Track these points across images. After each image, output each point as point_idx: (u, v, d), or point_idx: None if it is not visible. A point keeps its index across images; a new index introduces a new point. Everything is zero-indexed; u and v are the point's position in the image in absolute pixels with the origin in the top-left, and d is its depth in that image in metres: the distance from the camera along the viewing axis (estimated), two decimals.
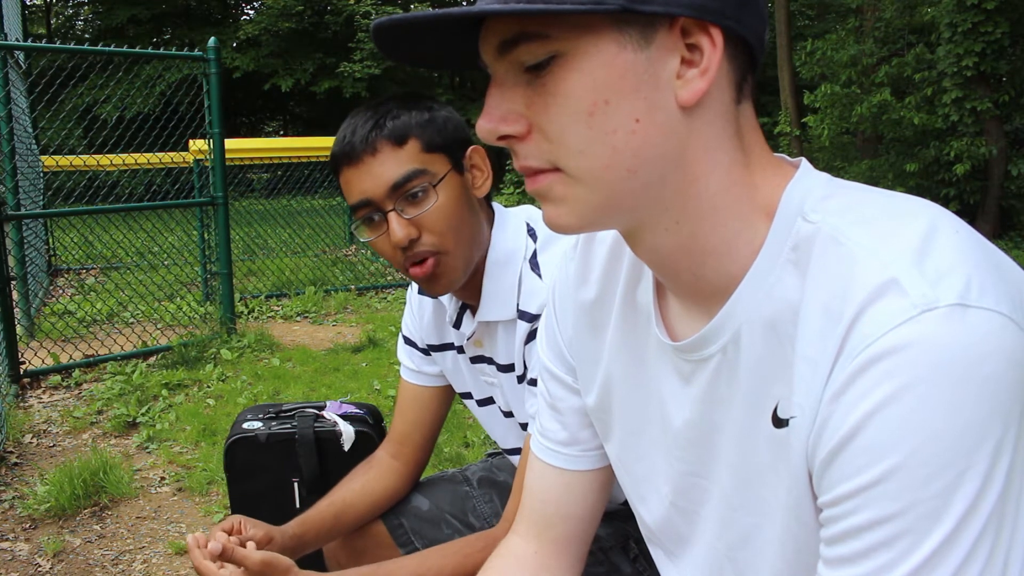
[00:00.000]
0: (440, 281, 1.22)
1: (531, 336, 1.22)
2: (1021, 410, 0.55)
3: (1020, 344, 0.55)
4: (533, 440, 0.96)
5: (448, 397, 1.52)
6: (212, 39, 4.98)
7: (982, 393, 0.54)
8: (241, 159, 9.20)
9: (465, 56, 0.69)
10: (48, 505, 2.86)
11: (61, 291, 7.09)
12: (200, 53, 4.93)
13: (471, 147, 1.25)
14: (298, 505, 1.69)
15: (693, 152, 0.65)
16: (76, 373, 4.45)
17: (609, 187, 0.64)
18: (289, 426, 1.71)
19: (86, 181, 6.67)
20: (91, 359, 4.62)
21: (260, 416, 1.76)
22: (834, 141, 11.38)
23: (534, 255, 1.26)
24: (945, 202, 9.18)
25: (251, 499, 1.71)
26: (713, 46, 0.62)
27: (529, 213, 1.31)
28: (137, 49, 5.00)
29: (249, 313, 6.18)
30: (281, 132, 25.54)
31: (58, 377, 4.38)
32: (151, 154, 6.46)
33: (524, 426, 1.32)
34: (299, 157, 9.23)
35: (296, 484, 1.71)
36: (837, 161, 11.75)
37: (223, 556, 1.15)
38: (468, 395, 1.45)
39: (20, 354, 4.28)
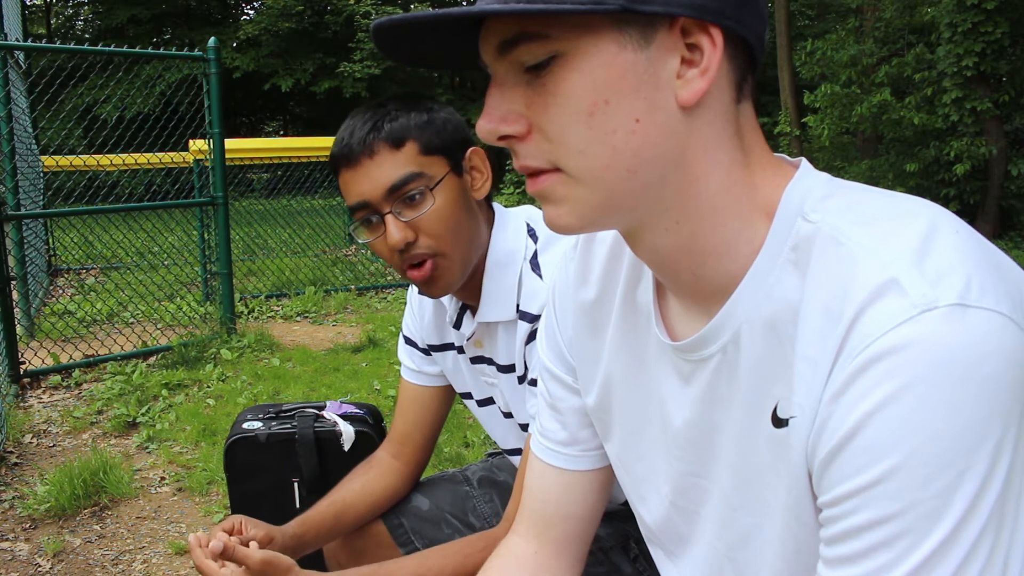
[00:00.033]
0: (438, 283, 1.22)
1: (532, 336, 1.22)
2: (1021, 410, 0.55)
3: (1020, 344, 0.55)
4: (533, 440, 0.96)
5: (449, 397, 1.52)
6: (212, 39, 4.98)
7: (982, 393, 0.54)
8: (241, 159, 9.20)
9: (465, 56, 0.69)
10: (48, 505, 2.86)
11: (61, 291, 7.08)
12: (200, 53, 4.93)
13: (471, 148, 1.24)
14: (298, 505, 1.69)
15: (693, 152, 0.65)
16: (76, 373, 4.45)
17: (609, 187, 0.64)
18: (289, 426, 1.71)
19: (86, 181, 6.67)
20: (91, 359, 4.63)
21: (260, 416, 1.76)
22: (834, 141, 11.37)
23: (535, 255, 1.25)
24: (945, 202, 9.18)
25: (251, 499, 1.71)
26: (713, 46, 0.62)
27: (529, 213, 1.31)
28: (137, 49, 5.01)
29: (249, 313, 6.18)
30: (281, 132, 25.55)
31: (58, 377, 4.38)
32: (151, 154, 6.47)
33: (524, 427, 1.32)
34: (299, 157, 9.23)
35: (296, 484, 1.71)
36: (837, 161, 11.75)
37: (224, 555, 1.15)
38: (468, 395, 1.45)
39: (20, 354, 4.28)
